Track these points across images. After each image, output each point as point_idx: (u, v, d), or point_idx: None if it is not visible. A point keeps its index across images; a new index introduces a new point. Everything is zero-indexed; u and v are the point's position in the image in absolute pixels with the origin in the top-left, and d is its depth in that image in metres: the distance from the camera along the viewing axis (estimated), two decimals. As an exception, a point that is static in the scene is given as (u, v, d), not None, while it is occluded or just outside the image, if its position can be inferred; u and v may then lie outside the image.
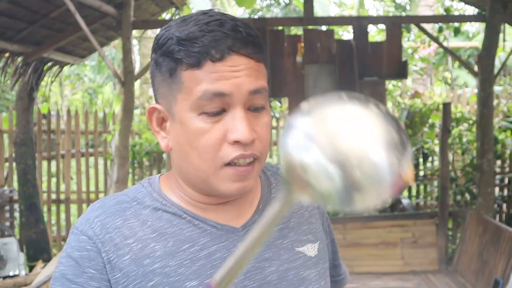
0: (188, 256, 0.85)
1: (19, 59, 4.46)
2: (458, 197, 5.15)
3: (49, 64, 4.83)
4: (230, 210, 0.89)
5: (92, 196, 5.48)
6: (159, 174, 0.95)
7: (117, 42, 8.18)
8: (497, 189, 5.40)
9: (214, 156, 0.80)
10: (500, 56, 6.58)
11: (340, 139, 0.56)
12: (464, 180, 5.17)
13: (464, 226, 4.20)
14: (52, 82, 5.12)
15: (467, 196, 5.06)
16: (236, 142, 0.79)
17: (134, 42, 10.25)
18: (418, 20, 4.78)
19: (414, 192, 5.64)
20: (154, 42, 0.83)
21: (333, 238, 1.09)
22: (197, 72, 0.78)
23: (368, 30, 4.38)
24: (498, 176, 5.41)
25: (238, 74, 0.79)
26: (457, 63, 10.09)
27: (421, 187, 5.66)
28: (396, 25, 4.34)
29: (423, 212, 4.92)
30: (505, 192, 5.47)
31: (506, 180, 5.48)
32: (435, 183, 5.38)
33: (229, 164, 0.80)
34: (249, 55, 0.80)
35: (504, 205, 5.48)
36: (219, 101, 0.78)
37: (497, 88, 7.34)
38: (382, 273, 3.91)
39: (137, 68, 9.18)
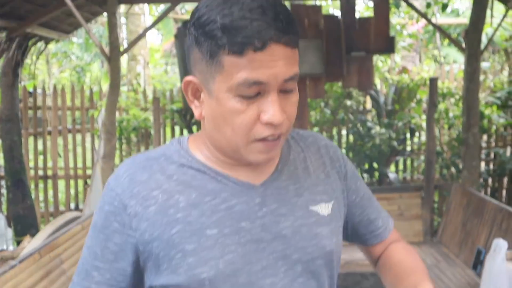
0: (209, 207, 0.93)
1: (3, 34, 4.40)
2: (444, 171, 5.21)
3: (34, 39, 4.76)
4: (251, 170, 0.98)
5: (80, 172, 5.47)
6: (189, 135, 1.04)
7: (105, 19, 8.08)
8: (483, 164, 5.47)
9: (247, 133, 0.89)
10: (487, 32, 6.59)
11: None
12: (450, 154, 5.22)
13: (449, 199, 4.25)
14: (37, 58, 5.06)
15: (453, 170, 5.12)
16: (268, 123, 0.87)
17: (122, 20, 10.12)
18: (406, -5, 4.75)
19: (401, 166, 5.69)
20: (194, 18, 0.88)
21: (363, 195, 1.14)
22: (238, 59, 0.83)
23: (356, 6, 4.35)
24: (484, 151, 5.47)
25: (276, 63, 0.84)
26: (446, 41, 10.09)
27: (408, 162, 5.71)
28: (384, 0, 4.33)
29: (409, 185, 4.97)
30: (491, 166, 5.54)
31: (492, 155, 5.54)
32: (422, 158, 5.43)
33: (259, 139, 0.89)
34: (287, 44, 0.85)
35: (490, 180, 5.55)
36: (256, 87, 0.85)
37: (484, 64, 7.37)
38: (368, 245, 3.96)
39: (125, 45, 9.08)
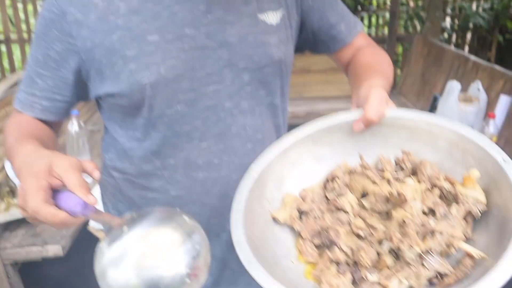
0: (151, 13, 0.91)
1: None
2: (408, 24, 5.17)
3: None
4: None
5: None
6: None
7: None
8: (448, 19, 5.42)
9: None
10: None
11: (140, 262, 0.71)
12: (415, 7, 5.15)
13: (410, 50, 4.27)
14: None
15: (417, 24, 5.08)
16: None
17: None
18: None
19: (366, 22, 5.61)
20: None
21: (325, 1, 1.08)
22: None
23: None
24: (450, 6, 5.40)
25: None
26: None
27: (373, 19, 5.62)
28: None
29: (372, 37, 4.94)
30: (456, 22, 5.51)
31: (458, 10, 5.48)
32: (387, 15, 5.34)
33: None
34: None
35: (454, 36, 5.56)
36: None
37: None
38: (330, 97, 4.03)
39: None
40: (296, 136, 0.92)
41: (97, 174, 0.80)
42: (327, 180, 0.91)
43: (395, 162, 0.89)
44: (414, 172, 0.86)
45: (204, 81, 0.95)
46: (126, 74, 0.92)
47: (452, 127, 0.84)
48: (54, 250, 1.90)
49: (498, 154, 0.77)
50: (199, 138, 0.99)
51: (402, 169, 0.87)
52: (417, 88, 3.88)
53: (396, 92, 4.16)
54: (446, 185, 0.81)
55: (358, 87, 0.95)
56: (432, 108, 3.53)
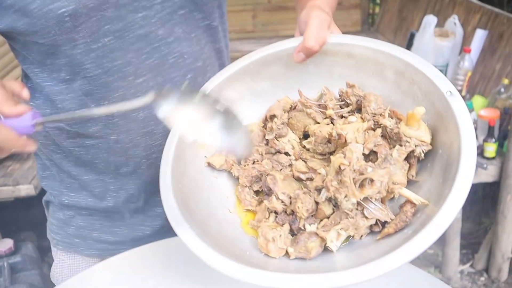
0: None
1: None
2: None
3: None
4: None
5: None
6: None
7: None
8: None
9: None
10: None
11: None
12: None
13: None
14: None
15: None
16: None
17: None
18: None
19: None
20: None
21: None
22: None
23: None
24: None
25: None
26: None
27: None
28: None
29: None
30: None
31: None
32: None
33: None
34: None
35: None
36: None
37: None
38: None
39: None
40: (231, 71, 0.82)
41: (25, 92, 0.72)
42: (266, 119, 0.82)
43: (339, 95, 0.81)
44: (359, 107, 0.79)
45: (131, 7, 0.84)
46: (37, 4, 0.77)
47: (399, 54, 0.75)
48: (26, 189, 1.85)
49: (445, 86, 0.69)
50: (134, 73, 0.88)
51: (346, 103, 0.79)
52: (394, 25, 3.84)
53: (374, 29, 4.12)
54: (390, 123, 0.73)
55: (300, 9, 0.84)
56: (409, 45, 3.52)
